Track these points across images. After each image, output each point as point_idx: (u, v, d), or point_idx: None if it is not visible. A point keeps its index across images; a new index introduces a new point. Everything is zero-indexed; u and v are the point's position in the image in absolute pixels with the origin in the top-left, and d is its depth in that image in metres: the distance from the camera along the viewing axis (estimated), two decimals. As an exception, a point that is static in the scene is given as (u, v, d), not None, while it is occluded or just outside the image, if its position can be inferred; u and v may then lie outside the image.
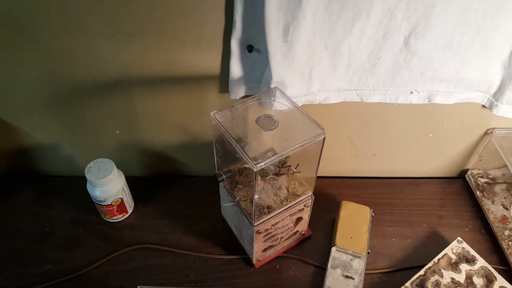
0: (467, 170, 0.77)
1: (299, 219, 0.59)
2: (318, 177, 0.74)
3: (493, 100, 0.63)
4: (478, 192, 0.73)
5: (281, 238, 0.59)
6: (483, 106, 0.64)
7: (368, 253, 0.60)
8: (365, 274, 0.59)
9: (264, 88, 0.56)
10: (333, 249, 0.59)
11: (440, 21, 0.52)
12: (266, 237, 0.56)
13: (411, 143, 0.71)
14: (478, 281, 0.59)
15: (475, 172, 0.76)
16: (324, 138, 0.48)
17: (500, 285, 0.58)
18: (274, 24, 0.49)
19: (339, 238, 0.60)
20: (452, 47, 0.55)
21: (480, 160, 0.74)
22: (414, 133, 0.69)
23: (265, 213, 0.52)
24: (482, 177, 0.76)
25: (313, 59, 0.55)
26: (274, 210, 0.53)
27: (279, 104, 0.54)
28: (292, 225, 0.59)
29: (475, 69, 0.58)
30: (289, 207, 0.54)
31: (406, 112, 0.65)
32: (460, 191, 0.74)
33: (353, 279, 0.57)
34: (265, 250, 0.59)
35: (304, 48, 0.52)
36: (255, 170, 0.43)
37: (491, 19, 0.52)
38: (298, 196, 0.55)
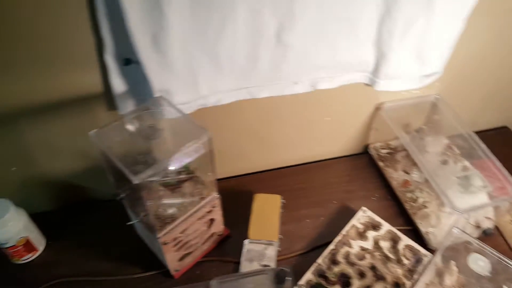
0: (369, 144, 0.83)
1: (212, 221, 0.60)
2: (234, 176, 0.76)
3: (372, 77, 0.68)
4: (380, 163, 0.79)
5: (197, 243, 0.59)
6: (367, 84, 0.70)
7: (281, 238, 0.62)
8: (283, 258, 0.61)
9: (149, 99, 0.56)
10: (246, 242, 0.61)
11: (304, 13, 0.55)
12: (178, 246, 0.56)
13: (313, 129, 0.75)
14: (385, 244, 0.63)
15: (377, 145, 0.83)
16: (209, 139, 0.49)
17: (404, 243, 0.63)
18: (140, 35, 0.49)
19: (252, 230, 0.62)
20: (323, 36, 0.59)
21: (377, 131, 0.81)
22: (313, 119, 0.74)
23: (168, 222, 0.52)
24: (384, 148, 0.83)
25: (193, 64, 0.56)
26: (178, 218, 0.53)
27: (168, 113, 0.54)
28: (206, 228, 0.59)
29: (349, 52, 0.63)
30: (194, 212, 0.55)
31: (299, 101, 0.69)
32: (365, 165, 0.80)
33: (270, 266, 0.59)
34: (181, 259, 0.59)
35: (179, 55, 0.53)
36: (133, 183, 0.43)
37: (353, 4, 0.56)
38: (203, 199, 0.56)
